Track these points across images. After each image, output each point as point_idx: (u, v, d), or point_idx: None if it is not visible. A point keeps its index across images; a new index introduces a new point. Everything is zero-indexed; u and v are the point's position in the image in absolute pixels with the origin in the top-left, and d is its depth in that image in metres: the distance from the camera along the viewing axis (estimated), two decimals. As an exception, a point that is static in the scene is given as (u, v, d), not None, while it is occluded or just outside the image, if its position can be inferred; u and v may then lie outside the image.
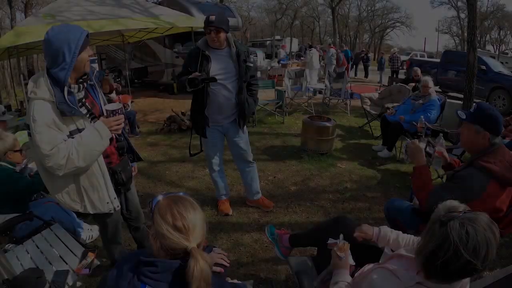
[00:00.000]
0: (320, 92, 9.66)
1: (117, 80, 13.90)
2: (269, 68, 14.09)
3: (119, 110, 1.98)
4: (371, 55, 19.08)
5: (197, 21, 8.84)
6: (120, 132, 2.06)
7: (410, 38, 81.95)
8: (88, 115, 1.99)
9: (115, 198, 2.15)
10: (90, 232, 3.30)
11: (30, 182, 2.97)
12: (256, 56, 12.50)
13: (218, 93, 3.09)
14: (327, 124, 5.28)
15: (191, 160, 5.35)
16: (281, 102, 7.67)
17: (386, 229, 1.82)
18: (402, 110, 5.36)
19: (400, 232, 1.80)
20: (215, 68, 3.03)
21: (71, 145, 1.82)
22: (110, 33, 8.89)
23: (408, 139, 2.46)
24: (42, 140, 1.76)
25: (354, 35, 47.98)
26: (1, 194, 2.86)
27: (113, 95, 6.73)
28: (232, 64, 3.08)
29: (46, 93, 1.79)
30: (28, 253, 2.48)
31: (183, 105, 9.66)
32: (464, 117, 2.18)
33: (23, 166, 3.19)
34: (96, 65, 19.56)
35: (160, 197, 1.28)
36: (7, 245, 2.72)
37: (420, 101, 5.21)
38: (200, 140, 3.49)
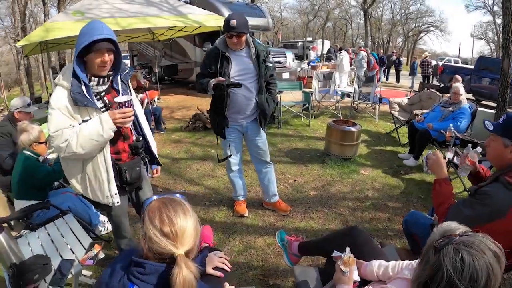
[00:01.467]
0: (348, 96, 9.46)
1: (148, 76, 14.17)
2: (298, 69, 13.96)
3: (127, 103, 1.97)
4: (403, 59, 18.45)
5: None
6: (127, 125, 2.04)
7: (444, 43, 79.27)
8: (103, 109, 2.04)
9: (115, 194, 2.17)
10: (106, 223, 3.35)
11: (50, 170, 3.09)
12: (286, 57, 12.38)
13: (239, 94, 3.06)
14: (352, 128, 5.13)
15: (212, 158, 5.37)
16: (307, 105, 7.56)
17: (372, 265, 1.71)
18: (431, 118, 5.14)
19: (392, 262, 1.67)
20: (235, 69, 3.02)
21: (74, 131, 1.92)
22: (140, 31, 9.05)
23: (430, 151, 2.29)
24: (50, 121, 1.91)
25: (387, 38, 46.90)
26: (23, 181, 3.02)
27: (140, 95, 6.83)
28: (252, 65, 3.07)
29: (66, 82, 1.93)
30: (39, 240, 2.60)
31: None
32: (491, 128, 2.01)
33: (45, 156, 3.28)
34: (128, 61, 20.11)
35: (154, 198, 1.24)
36: (22, 231, 2.89)
37: (450, 109, 4.99)
38: (217, 138, 3.50)
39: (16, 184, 3.07)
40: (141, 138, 2.28)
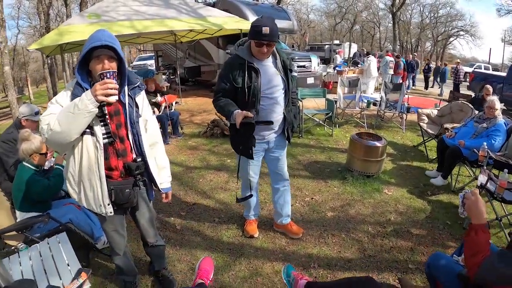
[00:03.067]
0: (374, 104, 9.05)
1: (172, 77, 14.17)
2: (324, 73, 13.60)
3: (108, 74, 1.81)
4: (432, 64, 17.64)
5: (246, 23, 8.66)
6: (110, 100, 1.82)
7: (474, 48, 76.48)
8: (101, 119, 1.95)
9: (108, 204, 2.07)
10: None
11: (47, 185, 3.02)
12: (310, 61, 12.02)
13: (269, 109, 2.75)
14: (377, 143, 4.74)
15: (227, 169, 5.17)
16: (331, 113, 7.23)
17: None
18: (463, 133, 4.73)
19: None
20: (265, 81, 2.68)
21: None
22: (162, 32, 8.94)
23: (468, 190, 1.95)
24: (47, 110, 1.86)
25: (416, 42, 45.60)
26: (21, 193, 2.96)
27: (159, 98, 6.70)
28: (279, 76, 2.76)
29: (71, 87, 1.92)
30: (30, 260, 2.55)
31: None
32: None
33: (44, 168, 3.18)
34: (153, 62, 20.28)
35: None
36: (19, 244, 2.89)
37: (484, 125, 4.56)
38: (237, 170, 3.07)
39: (16, 196, 3.03)
40: (139, 159, 2.11)
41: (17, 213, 3.05)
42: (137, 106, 2.11)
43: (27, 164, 3.02)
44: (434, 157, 5.50)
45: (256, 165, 3.06)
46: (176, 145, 6.54)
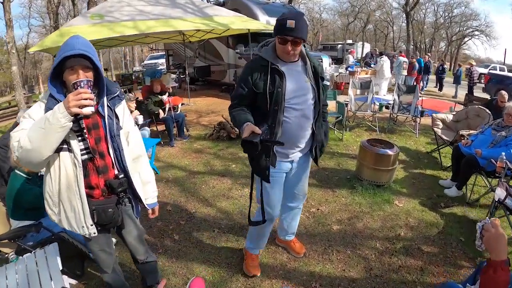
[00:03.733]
0: (387, 108, 8.76)
1: (181, 77, 14.08)
2: (336, 74, 13.33)
3: (81, 83, 1.62)
4: (447, 65, 17.09)
5: (254, 23, 8.47)
6: (85, 112, 1.63)
7: (489, 48, 74.85)
8: (78, 133, 1.78)
9: (91, 225, 1.92)
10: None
11: (38, 193, 2.89)
12: (321, 61, 11.76)
13: (294, 122, 2.31)
14: (389, 152, 4.48)
15: (231, 175, 5.01)
16: (341, 117, 6.99)
17: None
18: (480, 142, 4.47)
19: None
20: (291, 88, 2.24)
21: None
22: (170, 32, 8.79)
23: (488, 219, 1.72)
24: (19, 125, 1.69)
25: (430, 42, 44.77)
26: (14, 201, 2.90)
27: (164, 98, 6.56)
28: (309, 83, 2.32)
29: (45, 99, 1.74)
30: (16, 274, 2.45)
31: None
32: None
33: (37, 174, 3.09)
34: (163, 60, 20.25)
35: None
36: (10, 253, 2.87)
37: (503, 133, 4.28)
38: (251, 177, 2.50)
39: (8, 204, 2.99)
40: (121, 176, 1.93)
41: (11, 220, 2.99)
42: (117, 118, 1.93)
43: (19, 172, 2.95)
44: (449, 165, 5.24)
45: (275, 188, 2.54)
46: (181, 147, 6.40)
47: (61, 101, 1.64)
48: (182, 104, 7.47)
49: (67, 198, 1.84)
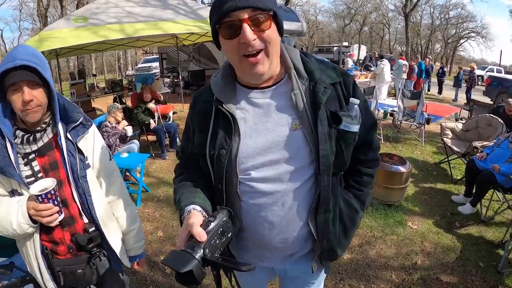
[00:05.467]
0: (391, 115, 8.43)
1: (176, 80, 13.72)
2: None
3: (43, 195, 1.29)
4: (446, 68, 16.81)
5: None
6: (50, 224, 1.35)
7: (485, 50, 75.19)
8: (31, 179, 1.40)
9: None
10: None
11: None
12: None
13: (261, 215, 1.16)
14: (401, 169, 4.12)
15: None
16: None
17: None
18: (497, 156, 4.12)
19: None
20: (253, 146, 1.13)
21: None
22: (162, 35, 8.41)
23: None
24: None
25: (426, 44, 44.74)
26: None
27: (151, 105, 6.16)
28: (300, 131, 1.12)
29: None
30: None
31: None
32: None
33: None
34: (157, 64, 19.87)
35: None
36: None
37: (522, 146, 3.99)
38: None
39: None
40: (92, 229, 1.52)
41: None
42: (81, 153, 1.49)
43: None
44: (459, 177, 4.93)
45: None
46: (174, 160, 6.00)
47: (10, 140, 1.34)
48: (174, 113, 7.06)
49: (26, 257, 1.50)
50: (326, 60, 10.32)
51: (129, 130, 5.40)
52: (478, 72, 22.39)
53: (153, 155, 6.02)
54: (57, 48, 6.05)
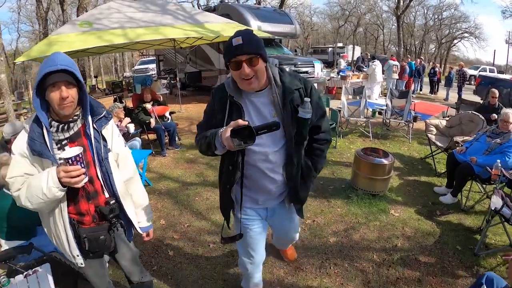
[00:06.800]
0: (380, 113, 8.77)
1: (173, 82, 14.00)
2: (327, 79, 13.33)
3: (72, 159, 1.58)
4: (438, 68, 17.14)
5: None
6: (77, 186, 1.63)
7: (479, 50, 75.85)
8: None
9: (77, 256, 1.86)
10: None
11: (29, 212, 2.76)
12: (314, 67, 11.71)
13: (256, 165, 1.91)
14: (384, 161, 4.46)
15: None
16: (334, 124, 6.98)
17: None
18: (475, 149, 4.46)
19: None
20: (251, 123, 1.67)
21: (25, 183, 1.66)
22: (160, 39, 8.72)
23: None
24: (11, 165, 1.70)
25: (420, 45, 45.16)
26: (3, 221, 2.84)
27: (148, 106, 6.45)
28: (276, 118, 1.83)
29: (27, 125, 1.70)
30: None
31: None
32: None
33: None
34: (154, 66, 20.15)
35: None
36: (1, 276, 2.66)
37: (498, 140, 4.27)
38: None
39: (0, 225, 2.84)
40: (112, 201, 1.86)
41: (1, 241, 2.92)
42: (104, 140, 1.85)
43: (7, 192, 2.83)
44: (443, 171, 5.25)
45: (253, 239, 2.20)
46: (173, 157, 6.32)
47: (45, 126, 1.64)
48: (173, 113, 7.36)
49: (53, 228, 1.80)
50: (317, 61, 10.65)
51: (131, 127, 5.70)
52: (471, 72, 22.83)
53: (154, 152, 6.32)
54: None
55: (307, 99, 1.76)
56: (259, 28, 10.85)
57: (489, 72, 24.16)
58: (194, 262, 3.26)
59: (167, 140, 6.76)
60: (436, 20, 41.57)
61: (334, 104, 8.18)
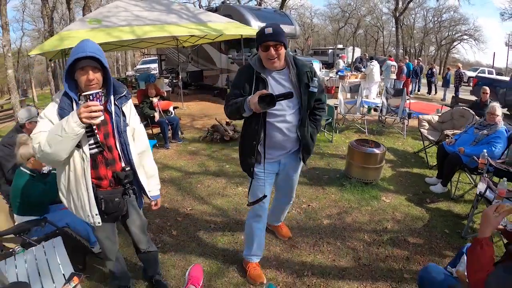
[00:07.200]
0: (375, 110, 9.01)
1: (174, 81, 14.24)
2: (326, 78, 13.57)
3: (92, 96, 1.81)
4: (436, 69, 17.43)
5: (247, 29, 8.68)
6: (95, 122, 1.84)
7: (478, 52, 76.20)
8: (87, 129, 1.95)
9: (96, 215, 2.08)
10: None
11: (44, 190, 3.06)
12: (312, 65, 11.91)
13: (276, 125, 2.47)
14: (375, 150, 4.71)
15: (226, 175, 5.17)
16: (330, 119, 7.21)
17: None
18: (463, 140, 4.70)
19: None
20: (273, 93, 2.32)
21: (47, 132, 1.88)
22: (165, 37, 8.96)
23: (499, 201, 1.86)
24: (38, 126, 1.90)
25: (420, 47, 45.41)
26: (19, 198, 2.99)
27: (155, 100, 6.70)
28: (293, 90, 2.38)
29: (58, 98, 1.96)
30: (26, 263, 2.61)
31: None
32: None
33: (42, 172, 3.19)
34: (156, 65, 20.38)
35: None
36: (16, 247, 2.93)
37: (485, 132, 4.52)
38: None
39: (14, 201, 3.06)
40: (127, 168, 2.13)
41: (15, 216, 3.08)
42: (124, 115, 2.12)
43: (24, 170, 3.04)
44: (435, 164, 5.45)
45: (263, 187, 2.69)
46: (176, 150, 6.55)
47: (74, 99, 1.88)
48: (175, 108, 7.59)
49: (75, 189, 2.02)
50: (315, 61, 10.88)
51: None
52: (470, 73, 23.03)
53: (157, 145, 6.56)
54: (66, 48, 6.58)
55: (316, 78, 2.49)
56: (260, 28, 11.10)
57: (488, 73, 24.33)
58: (196, 241, 3.48)
59: (170, 134, 6.99)
60: (435, 22, 41.84)
61: (332, 102, 8.40)
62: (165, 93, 7.29)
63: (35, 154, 1.88)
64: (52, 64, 16.24)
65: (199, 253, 3.26)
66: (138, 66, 25.77)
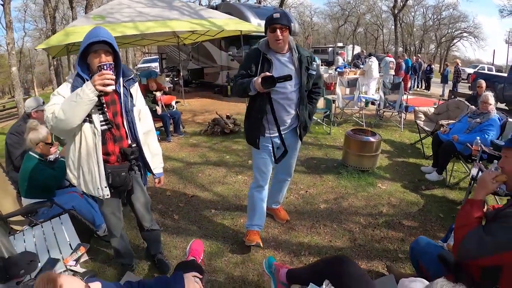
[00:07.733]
0: (373, 104, 9.13)
1: (175, 79, 14.36)
2: (326, 75, 13.67)
3: (105, 66, 1.99)
4: (434, 66, 17.59)
5: (247, 25, 8.80)
6: (108, 90, 2.03)
7: (478, 50, 76.23)
8: (99, 107, 2.12)
9: (105, 187, 2.22)
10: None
11: (52, 174, 3.19)
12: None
13: (279, 102, 2.77)
14: (371, 139, 4.85)
15: (226, 164, 5.30)
16: (328, 112, 7.32)
17: None
18: (457, 129, 4.81)
19: None
20: (276, 74, 2.60)
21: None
22: (166, 34, 9.10)
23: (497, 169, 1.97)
24: (51, 100, 2.04)
25: (419, 44, 45.46)
26: (27, 181, 3.12)
27: (158, 94, 6.84)
28: (294, 72, 2.74)
29: (71, 79, 2.12)
30: (34, 237, 2.78)
31: (234, 108, 9.71)
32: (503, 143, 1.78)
33: (49, 158, 3.31)
34: (157, 64, 20.51)
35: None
36: (24, 227, 3.07)
37: (478, 120, 4.63)
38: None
39: (22, 184, 3.17)
40: (134, 145, 2.28)
41: (23, 199, 3.21)
42: (131, 96, 2.29)
43: (33, 154, 3.18)
44: (431, 154, 5.55)
45: (266, 158, 2.98)
46: (178, 142, 6.68)
47: (86, 79, 2.03)
48: (177, 102, 7.72)
49: (86, 163, 2.16)
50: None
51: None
52: (469, 70, 23.10)
53: (159, 138, 6.67)
54: (69, 45, 6.70)
55: (314, 63, 2.85)
56: (259, 25, 11.21)
57: (487, 70, 24.43)
58: (197, 224, 3.61)
59: (172, 128, 7.12)
60: (435, 19, 41.86)
61: (330, 97, 8.52)
62: (167, 88, 7.41)
63: (48, 124, 1.99)
64: (55, 63, 16.37)
65: (200, 235, 3.38)
66: (139, 65, 25.89)
